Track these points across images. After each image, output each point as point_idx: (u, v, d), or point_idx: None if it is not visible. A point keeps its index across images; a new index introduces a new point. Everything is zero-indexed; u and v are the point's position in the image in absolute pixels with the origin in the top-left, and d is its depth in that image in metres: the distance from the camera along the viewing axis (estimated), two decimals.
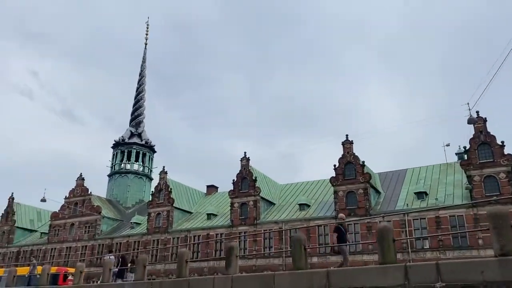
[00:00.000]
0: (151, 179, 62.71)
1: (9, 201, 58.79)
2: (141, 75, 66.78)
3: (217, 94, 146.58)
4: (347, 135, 38.20)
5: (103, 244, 48.73)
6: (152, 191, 47.87)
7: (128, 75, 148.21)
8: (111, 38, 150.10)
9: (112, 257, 21.23)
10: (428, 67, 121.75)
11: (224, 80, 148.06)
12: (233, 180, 42.73)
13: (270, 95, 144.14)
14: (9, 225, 57.11)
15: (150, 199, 47.77)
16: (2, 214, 58.61)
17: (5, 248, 56.06)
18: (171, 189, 46.79)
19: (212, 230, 42.45)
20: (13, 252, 55.23)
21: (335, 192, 37.11)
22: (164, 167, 48.57)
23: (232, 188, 42.48)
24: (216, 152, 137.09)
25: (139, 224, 49.28)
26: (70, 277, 30.11)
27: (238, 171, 42.85)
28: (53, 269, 35.54)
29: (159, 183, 47.82)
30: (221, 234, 41.83)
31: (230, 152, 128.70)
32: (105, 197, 57.93)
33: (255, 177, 41.94)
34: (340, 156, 37.95)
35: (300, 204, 40.21)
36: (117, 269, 20.08)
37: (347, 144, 37.87)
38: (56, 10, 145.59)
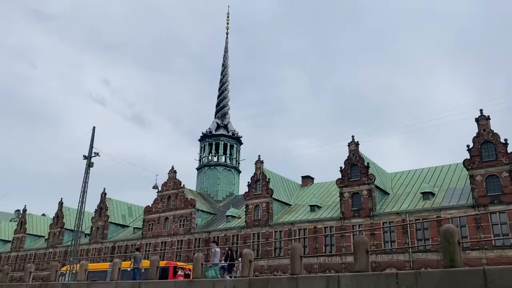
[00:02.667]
0: (239, 171, 60.29)
1: (101, 197, 59.13)
2: (224, 66, 64.67)
3: (277, 93, 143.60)
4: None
5: (199, 239, 46.78)
6: (248, 182, 44.99)
7: (193, 77, 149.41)
8: (175, 43, 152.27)
9: (218, 249, 18.38)
10: (499, 56, 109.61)
11: (284, 78, 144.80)
12: (341, 167, 38.62)
13: (332, 89, 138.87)
14: (103, 220, 57.33)
15: (247, 191, 44.89)
16: (96, 209, 59.06)
17: (100, 243, 56.24)
18: (268, 179, 43.65)
19: (319, 223, 38.61)
20: (108, 247, 55.19)
21: (472, 177, 31.76)
22: (259, 156, 45.66)
23: (340, 177, 38.37)
24: (278, 151, 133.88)
25: (234, 217, 46.71)
26: (180, 272, 28.02)
27: (346, 157, 38.62)
28: (162, 263, 33.83)
29: (255, 173, 44.87)
30: (330, 227, 37.91)
31: (293, 150, 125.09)
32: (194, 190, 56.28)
33: (368, 163, 37.48)
34: (475, 134, 32.57)
35: (423, 193, 35.16)
36: (226, 264, 17.20)
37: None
38: (124, 21, 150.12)
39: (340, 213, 37.49)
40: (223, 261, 17.83)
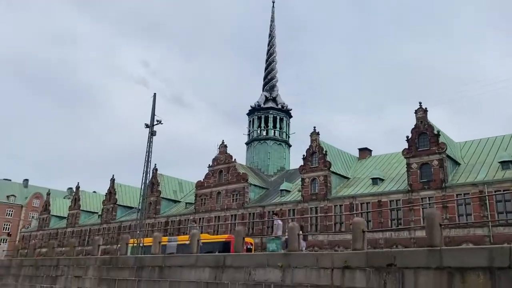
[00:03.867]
0: (289, 145, 58.41)
1: (153, 173, 59.05)
2: (271, 36, 62.14)
3: (318, 69, 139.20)
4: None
5: (254, 213, 45.69)
6: (304, 155, 43.04)
7: (230, 57, 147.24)
8: (211, 23, 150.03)
9: (280, 221, 16.84)
10: None
11: (325, 54, 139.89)
12: (407, 136, 35.87)
13: (375, 64, 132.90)
14: (155, 196, 57.37)
15: (302, 164, 43.01)
16: (148, 185, 59.08)
17: (153, 218, 56.39)
18: (325, 151, 41.51)
19: (384, 196, 36.31)
20: (161, 222, 55.29)
21: None
22: (315, 127, 43.46)
23: (407, 146, 35.68)
24: (322, 126, 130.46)
25: (289, 191, 45.15)
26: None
27: (413, 126, 35.79)
28: (223, 237, 32.88)
29: (310, 146, 42.83)
30: (396, 200, 35.54)
31: (336, 125, 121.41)
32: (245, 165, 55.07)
33: (438, 131, 34.56)
34: None
35: (502, 162, 32.02)
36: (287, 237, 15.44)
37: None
38: (161, 2, 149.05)
39: (408, 186, 35.01)
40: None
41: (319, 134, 42.78)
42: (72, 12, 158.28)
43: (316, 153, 42.02)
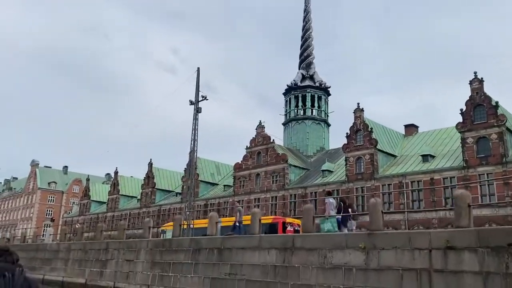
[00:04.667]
0: (329, 124, 56.45)
1: (189, 155, 58.59)
2: (306, 11, 59.74)
3: (344, 49, 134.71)
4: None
5: (295, 194, 44.36)
6: (347, 133, 41.15)
7: (258, 41, 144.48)
8: (239, 7, 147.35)
9: (333, 200, 15.71)
10: None
11: (351, 34, 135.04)
12: (461, 110, 33.39)
13: (403, 41, 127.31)
14: (193, 179, 56.88)
15: (345, 143, 41.17)
16: (185, 169, 58.82)
17: (192, 201, 55.98)
18: (371, 129, 39.47)
19: (437, 174, 34.18)
20: (200, 205, 54.88)
21: None
22: (358, 103, 41.39)
23: (461, 120, 33.25)
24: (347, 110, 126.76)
25: (331, 172, 43.49)
26: (289, 228, 25.63)
27: (468, 97, 33.26)
28: (269, 219, 31.77)
29: (354, 123, 40.88)
30: (451, 178, 33.36)
31: (367, 108, 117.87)
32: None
33: (496, 103, 31.94)
34: None
35: None
36: (340, 216, 14.05)
37: None
38: None
39: (463, 162, 32.72)
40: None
41: (363, 111, 40.76)
42: (101, 0, 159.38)
43: (361, 130, 40.06)
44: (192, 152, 22.84)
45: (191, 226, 19.78)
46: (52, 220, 71.97)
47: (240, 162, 51.13)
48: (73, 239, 26.91)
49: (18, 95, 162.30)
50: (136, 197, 68.40)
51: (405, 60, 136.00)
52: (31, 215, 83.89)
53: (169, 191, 63.72)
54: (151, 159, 65.62)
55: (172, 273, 14.75)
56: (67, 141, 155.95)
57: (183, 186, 58.44)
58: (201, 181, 57.01)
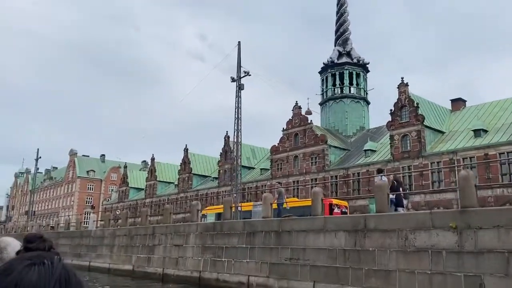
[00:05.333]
0: (368, 102, 54.22)
1: (225, 140, 58.02)
2: None
3: (375, 27, 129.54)
4: None
5: (336, 176, 42.81)
6: (391, 110, 39.09)
7: (284, 24, 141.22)
8: None
9: (385, 178, 14.19)
10: None
11: (383, 11, 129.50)
12: None
13: (434, 19, 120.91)
14: (229, 163, 56.26)
15: (390, 120, 39.15)
16: (221, 153, 58.36)
17: (230, 186, 55.41)
18: (417, 104, 37.26)
19: (492, 149, 31.91)
20: (238, 189, 54.15)
21: None
22: (402, 78, 39.13)
23: None
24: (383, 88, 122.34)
25: (374, 151, 41.63)
26: (336, 209, 24.45)
27: None
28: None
29: (399, 99, 38.74)
30: (508, 152, 31.05)
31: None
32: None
33: None
34: None
35: None
36: (393, 195, 12.52)
37: None
38: None
39: None
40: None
41: (408, 85, 38.53)
42: None
43: (406, 106, 37.92)
44: (237, 131, 21.72)
45: (239, 209, 18.84)
46: (93, 207, 73.41)
47: (276, 145, 49.93)
48: (113, 225, 26.61)
49: (54, 88, 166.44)
50: (173, 182, 68.66)
51: (437, 37, 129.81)
52: (72, 203, 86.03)
53: (205, 176, 63.48)
54: (186, 145, 65.59)
55: (226, 258, 13.81)
56: (102, 130, 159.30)
57: (219, 171, 58.00)
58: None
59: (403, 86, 38.65)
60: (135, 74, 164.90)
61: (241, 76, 20.76)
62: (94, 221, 25.29)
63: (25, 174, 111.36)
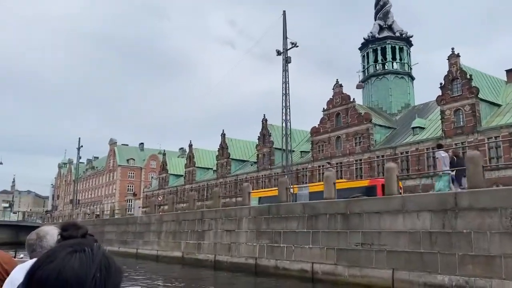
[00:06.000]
0: (413, 78, 51.43)
1: (262, 124, 57.03)
2: None
3: (415, 1, 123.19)
4: None
5: (382, 155, 40.82)
6: (441, 83, 36.59)
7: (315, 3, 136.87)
8: None
9: (445, 153, 13.07)
10: None
11: None
12: None
13: None
14: (267, 147, 55.32)
15: (439, 94, 36.69)
16: (259, 137, 57.34)
17: (269, 170, 54.52)
18: (470, 76, 34.62)
19: None
20: (277, 173, 53.09)
21: None
22: (453, 49, 36.44)
23: None
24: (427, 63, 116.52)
25: (423, 128, 39.33)
26: None
27: None
28: (364, 182, 29.02)
29: (449, 71, 36.18)
30: None
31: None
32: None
33: None
34: None
35: None
36: (453, 172, 11.42)
37: None
38: None
39: None
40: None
41: (459, 56, 35.84)
42: None
43: (458, 79, 35.36)
44: (285, 108, 20.42)
45: (291, 191, 17.65)
46: (134, 194, 74.47)
47: (317, 126, 48.27)
48: (159, 211, 26.14)
49: (92, 82, 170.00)
50: (212, 168, 68.44)
51: (482, 7, 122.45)
52: (114, 191, 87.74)
53: (243, 161, 62.75)
54: (223, 130, 64.94)
55: (284, 243, 12.67)
56: (139, 119, 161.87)
57: (258, 155, 57.03)
58: (275, 148, 55.07)
59: (454, 57, 36.01)
60: (167, 64, 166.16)
61: (288, 48, 19.32)
62: (139, 207, 24.80)
63: (67, 164, 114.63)
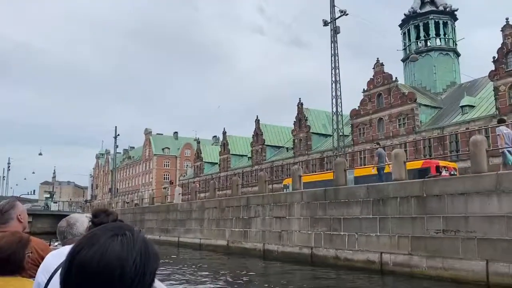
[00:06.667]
0: (458, 54, 48.31)
1: (298, 108, 55.33)
2: None
3: None
4: None
5: (429, 137, 38.51)
6: (494, 57, 33.83)
7: None
8: None
9: (507, 130, 11.70)
10: None
11: None
12: None
13: None
14: (304, 132, 53.62)
15: (492, 69, 33.96)
16: (294, 121, 55.74)
17: (306, 155, 52.90)
18: None
19: None
20: (315, 158, 51.48)
21: None
22: (507, 19, 33.51)
23: None
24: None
25: (472, 106, 36.72)
26: (444, 172, 20.96)
27: None
28: (417, 163, 27.28)
29: (503, 44, 33.47)
30: None
31: None
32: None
33: None
34: None
35: None
36: None
37: None
38: None
39: None
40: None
41: None
42: None
43: None
44: (335, 83, 18.86)
45: (348, 175, 16.13)
46: (171, 183, 74.61)
47: (357, 108, 46.20)
48: (194, 199, 25.29)
49: (126, 74, 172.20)
50: (246, 155, 67.59)
51: None
52: (151, 180, 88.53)
53: (279, 147, 61.44)
54: (257, 116, 63.70)
55: (345, 231, 11.32)
56: (172, 109, 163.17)
57: (294, 140, 55.52)
58: (312, 133, 53.41)
59: (508, 28, 33.16)
60: (197, 53, 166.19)
61: (336, 17, 17.64)
62: (179, 194, 24.00)
63: (105, 155, 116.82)
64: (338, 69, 19.03)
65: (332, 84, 19.32)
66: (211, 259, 16.11)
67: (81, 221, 2.00)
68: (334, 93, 20.43)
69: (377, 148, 18.41)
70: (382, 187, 10.74)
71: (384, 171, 16.19)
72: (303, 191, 13.42)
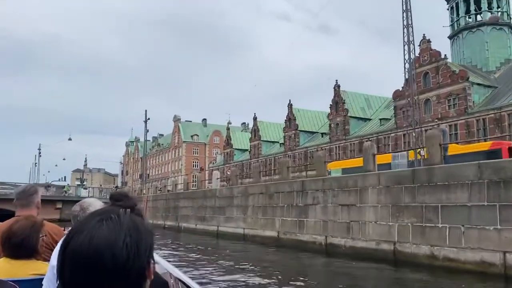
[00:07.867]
0: None
1: (335, 90, 52.35)
2: None
3: None
4: None
5: (483, 119, 35.18)
6: None
7: None
8: None
9: None
10: None
11: None
12: None
13: None
14: (341, 115, 50.68)
15: None
16: (330, 105, 52.84)
17: (343, 140, 50.06)
18: None
19: None
20: (353, 143, 48.60)
21: None
22: None
23: None
24: None
25: None
26: None
27: None
28: (485, 145, 24.42)
29: None
30: None
31: None
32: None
33: None
34: None
35: None
36: None
37: None
38: None
39: None
40: None
41: None
42: None
43: None
44: (408, 44, 16.20)
45: (422, 156, 13.62)
46: (201, 169, 73.29)
47: (401, 89, 42.83)
48: (235, 183, 23.15)
49: (154, 63, 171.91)
50: (278, 142, 65.28)
51: None
52: (180, 167, 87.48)
53: (313, 133, 58.75)
54: (290, 100, 61.07)
55: (444, 223, 8.85)
56: (200, 96, 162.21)
57: (330, 125, 52.66)
58: (350, 117, 50.41)
59: None
60: (223, 41, 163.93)
61: None
62: (217, 178, 21.89)
63: (134, 142, 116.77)
64: (410, 11, 16.24)
65: (404, 29, 16.56)
66: (260, 253, 13.88)
67: (94, 205, 2.01)
68: (406, 39, 17.64)
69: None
70: (501, 164, 8.19)
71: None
72: (380, 172, 10.95)
